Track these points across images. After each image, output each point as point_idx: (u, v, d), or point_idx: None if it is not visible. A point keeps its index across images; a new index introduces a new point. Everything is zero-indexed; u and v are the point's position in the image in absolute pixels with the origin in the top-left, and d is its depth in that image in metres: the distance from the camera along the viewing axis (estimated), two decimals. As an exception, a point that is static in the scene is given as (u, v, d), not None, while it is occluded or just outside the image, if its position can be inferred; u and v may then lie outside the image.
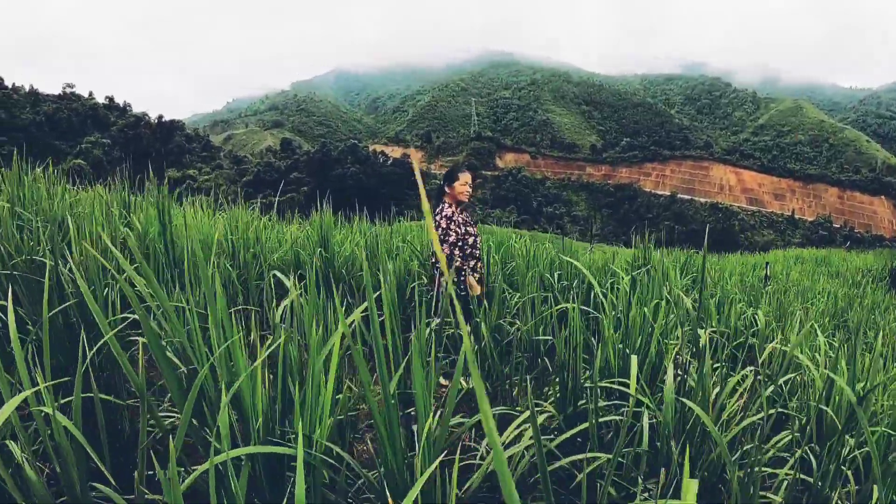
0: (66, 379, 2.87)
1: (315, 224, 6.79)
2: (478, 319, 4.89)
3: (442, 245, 5.65)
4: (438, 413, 2.64)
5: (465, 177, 5.99)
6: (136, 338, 3.34)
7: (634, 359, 2.83)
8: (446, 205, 5.91)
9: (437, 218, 5.79)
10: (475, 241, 5.90)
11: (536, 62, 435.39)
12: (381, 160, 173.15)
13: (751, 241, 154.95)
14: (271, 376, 2.61)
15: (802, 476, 3.07)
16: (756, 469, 2.63)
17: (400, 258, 7.14)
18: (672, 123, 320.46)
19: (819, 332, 4.75)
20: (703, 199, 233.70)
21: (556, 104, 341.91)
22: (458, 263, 5.64)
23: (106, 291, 3.31)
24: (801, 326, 6.04)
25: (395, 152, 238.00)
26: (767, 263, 13.51)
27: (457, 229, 5.74)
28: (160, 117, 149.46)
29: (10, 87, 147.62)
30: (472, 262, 5.82)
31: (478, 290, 5.71)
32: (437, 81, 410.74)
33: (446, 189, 5.97)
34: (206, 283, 2.42)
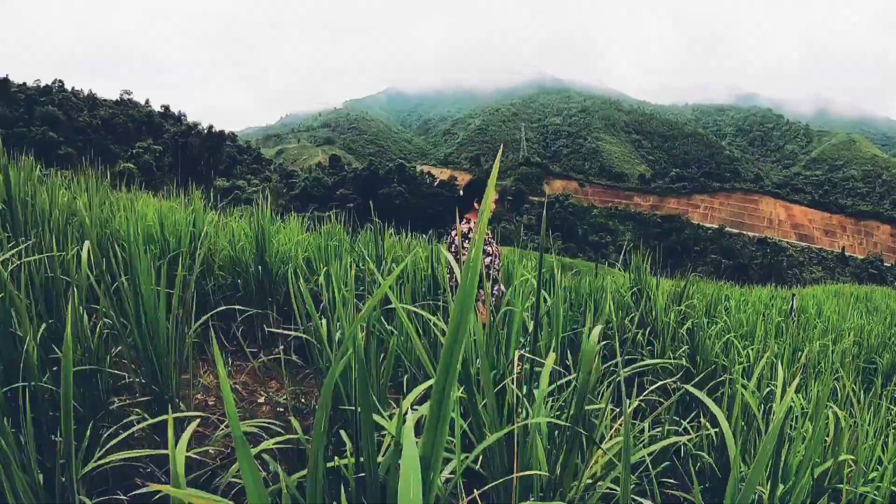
0: None
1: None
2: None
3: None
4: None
5: (495, 195, 5.70)
6: None
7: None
8: (464, 221, 5.57)
9: (453, 234, 5.49)
10: (492, 261, 5.49)
11: (587, 89, 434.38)
12: (428, 181, 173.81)
13: (798, 277, 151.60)
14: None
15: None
16: None
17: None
18: (722, 155, 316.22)
19: (780, 372, 4.46)
20: (751, 234, 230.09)
21: (606, 132, 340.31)
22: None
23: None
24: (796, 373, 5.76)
25: (442, 174, 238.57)
26: (794, 295, 13.06)
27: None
28: (210, 127, 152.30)
29: (69, 90, 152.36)
30: (486, 285, 5.52)
31: (484, 316, 5.35)
32: (489, 105, 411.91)
33: (475, 205, 5.60)
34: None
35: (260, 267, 5.55)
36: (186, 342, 3.25)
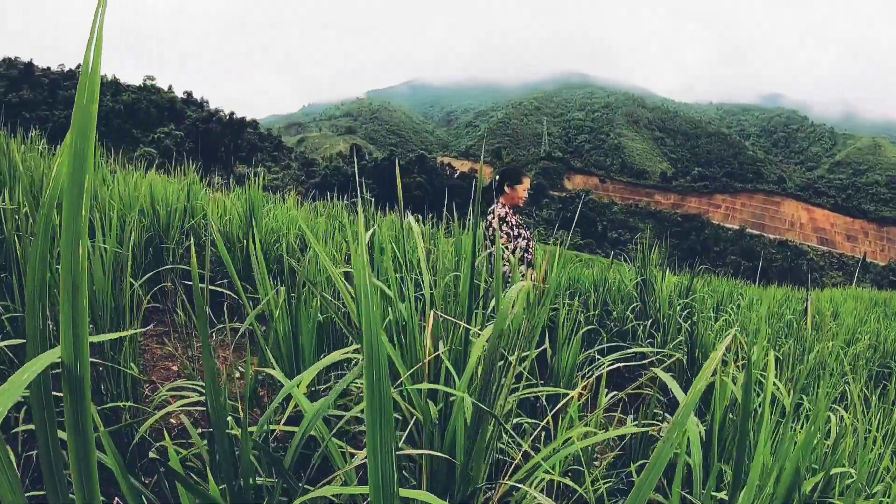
0: None
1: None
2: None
3: (488, 248, 5.27)
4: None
5: (528, 181, 5.60)
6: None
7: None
8: (500, 205, 5.50)
9: (490, 217, 5.41)
10: (527, 245, 5.45)
11: (611, 85, 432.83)
12: (448, 172, 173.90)
13: (818, 282, 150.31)
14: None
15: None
16: None
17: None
18: (745, 155, 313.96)
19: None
20: (772, 236, 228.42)
21: (629, 129, 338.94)
22: (505, 269, 5.11)
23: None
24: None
25: (463, 166, 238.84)
26: (808, 296, 12.74)
27: (509, 231, 5.30)
28: (231, 114, 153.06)
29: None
30: (521, 269, 5.36)
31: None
32: (511, 99, 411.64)
33: (506, 189, 5.54)
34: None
35: (248, 241, 5.39)
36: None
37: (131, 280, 3.12)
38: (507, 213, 5.38)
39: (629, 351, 2.81)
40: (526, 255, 5.40)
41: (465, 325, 2.10)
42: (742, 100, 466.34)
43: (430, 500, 1.31)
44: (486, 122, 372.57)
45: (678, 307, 5.88)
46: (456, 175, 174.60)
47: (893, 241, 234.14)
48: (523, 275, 5.32)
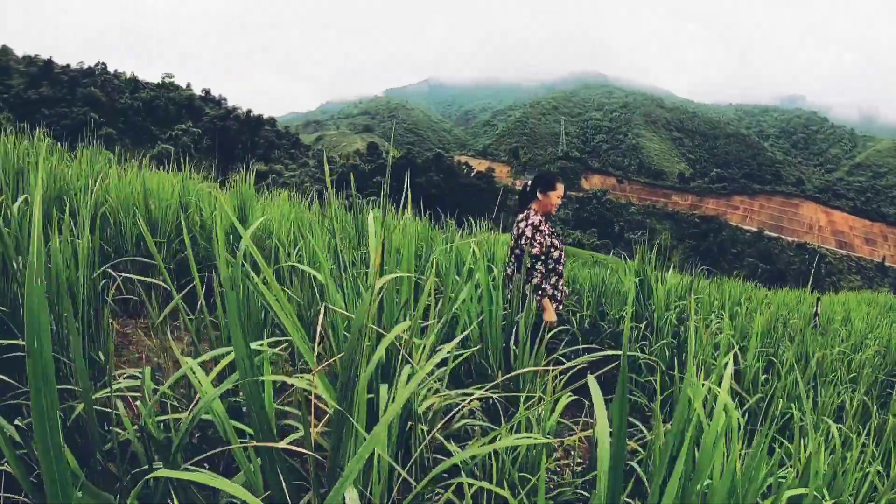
0: None
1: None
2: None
3: (513, 255, 5.22)
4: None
5: (562, 188, 5.41)
6: None
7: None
8: (532, 212, 5.32)
9: (522, 224, 5.23)
10: (560, 255, 5.33)
11: (629, 85, 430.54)
12: (465, 171, 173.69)
13: (836, 285, 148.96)
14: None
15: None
16: None
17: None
18: (764, 156, 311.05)
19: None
20: (790, 238, 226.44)
21: (647, 129, 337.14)
22: (537, 280, 5.02)
23: None
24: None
25: (480, 165, 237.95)
26: (819, 299, 12.55)
27: (542, 240, 5.15)
28: (248, 111, 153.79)
29: (112, 72, 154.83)
30: (553, 279, 5.26)
31: (553, 316, 5.06)
32: (529, 98, 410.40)
33: (539, 195, 5.37)
34: None
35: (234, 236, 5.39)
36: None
37: (113, 272, 3.14)
38: (540, 220, 5.24)
39: (598, 354, 2.73)
40: (558, 265, 5.30)
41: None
42: (761, 101, 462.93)
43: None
44: (503, 121, 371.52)
45: (675, 309, 5.80)
46: (473, 174, 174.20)
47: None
48: (554, 286, 5.27)
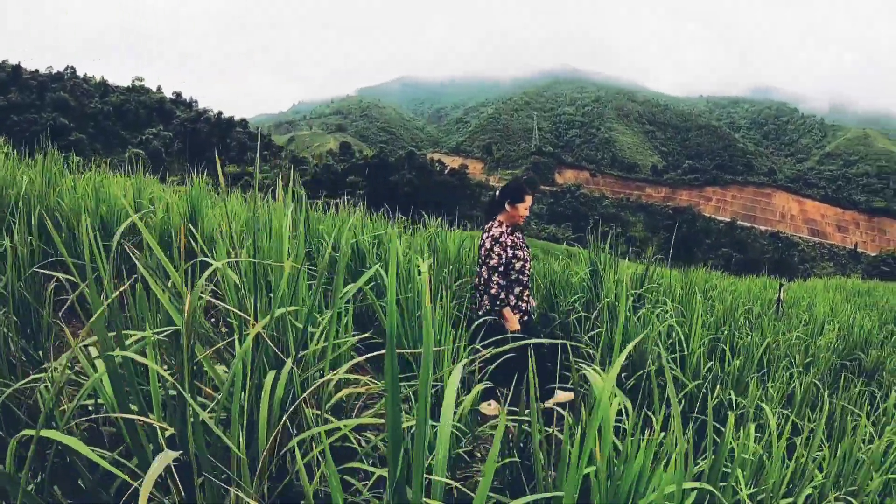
0: None
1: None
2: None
3: (480, 268, 5.17)
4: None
5: (530, 199, 5.35)
6: None
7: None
8: (496, 223, 5.31)
9: (485, 236, 5.24)
10: (523, 266, 5.30)
11: (601, 80, 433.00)
12: (438, 169, 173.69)
13: (810, 272, 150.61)
14: None
15: None
16: None
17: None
18: (736, 148, 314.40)
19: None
20: (763, 227, 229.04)
21: (619, 122, 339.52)
22: (493, 291, 5.08)
23: None
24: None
25: (454, 162, 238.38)
26: (781, 285, 12.63)
27: (501, 252, 5.13)
28: (219, 113, 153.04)
29: (82, 77, 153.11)
30: (516, 290, 5.25)
31: (515, 325, 5.07)
32: (502, 94, 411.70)
33: (506, 207, 5.32)
34: None
35: (191, 239, 5.36)
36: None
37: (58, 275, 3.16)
38: (501, 232, 5.22)
39: (517, 344, 2.71)
40: (521, 276, 5.28)
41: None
42: (732, 93, 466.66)
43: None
44: (476, 118, 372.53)
45: (630, 298, 5.84)
46: (446, 171, 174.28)
47: (884, 232, 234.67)
48: (518, 296, 5.26)
